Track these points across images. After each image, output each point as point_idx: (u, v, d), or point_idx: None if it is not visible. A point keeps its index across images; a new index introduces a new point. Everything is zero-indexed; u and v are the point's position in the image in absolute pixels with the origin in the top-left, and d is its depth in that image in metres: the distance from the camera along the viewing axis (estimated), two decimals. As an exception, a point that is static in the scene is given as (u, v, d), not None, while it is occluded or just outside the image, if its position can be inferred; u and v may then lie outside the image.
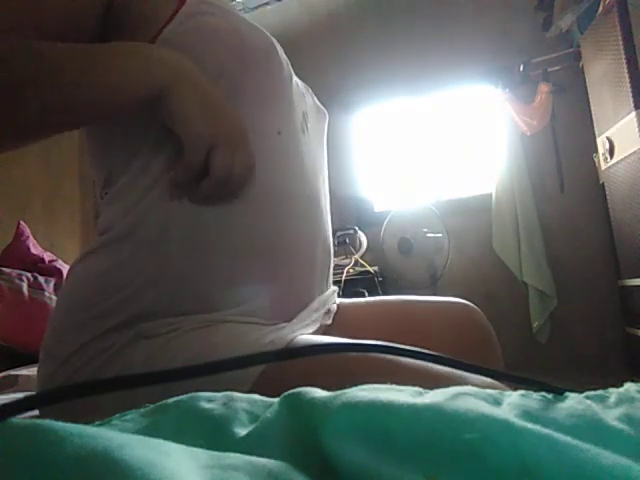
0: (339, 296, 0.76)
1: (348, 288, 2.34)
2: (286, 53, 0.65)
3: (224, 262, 0.51)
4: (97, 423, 0.22)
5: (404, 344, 0.25)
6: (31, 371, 1.10)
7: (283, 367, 0.42)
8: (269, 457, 0.18)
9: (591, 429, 0.19)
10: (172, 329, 0.48)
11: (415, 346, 0.25)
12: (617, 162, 1.92)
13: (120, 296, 0.49)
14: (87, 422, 0.19)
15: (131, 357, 0.47)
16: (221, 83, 0.53)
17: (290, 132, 0.59)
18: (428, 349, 0.26)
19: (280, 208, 0.55)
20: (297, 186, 0.58)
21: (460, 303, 0.74)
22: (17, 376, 1.08)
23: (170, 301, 0.50)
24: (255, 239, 0.53)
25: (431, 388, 0.23)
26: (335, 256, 2.63)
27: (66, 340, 0.49)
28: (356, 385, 0.22)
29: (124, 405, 0.25)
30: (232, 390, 0.25)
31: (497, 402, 0.22)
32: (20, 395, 0.93)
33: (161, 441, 0.17)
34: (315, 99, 0.73)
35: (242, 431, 0.21)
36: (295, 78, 0.66)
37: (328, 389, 0.22)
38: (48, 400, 0.18)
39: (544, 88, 2.37)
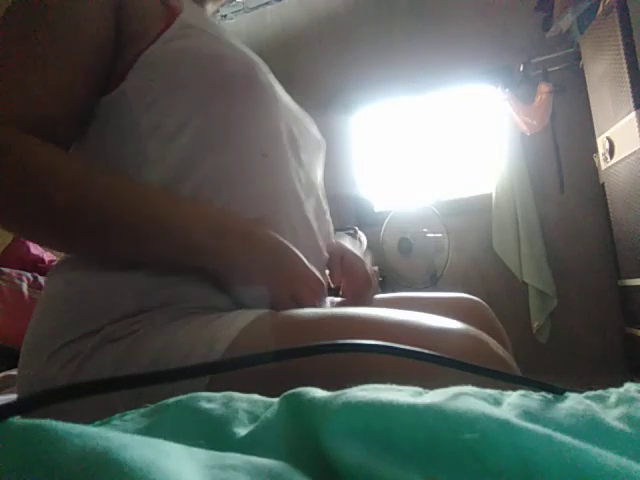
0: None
1: (348, 288, 2.34)
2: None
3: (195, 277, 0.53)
4: (97, 423, 0.22)
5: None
6: (31, 371, 1.10)
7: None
8: (269, 457, 0.18)
9: (591, 429, 0.19)
10: (135, 329, 0.49)
11: None
12: (617, 162, 1.92)
13: (89, 303, 0.50)
14: (87, 422, 0.19)
15: (101, 361, 0.47)
16: (200, 109, 0.55)
17: (278, 156, 0.59)
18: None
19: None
20: (284, 209, 0.58)
21: (469, 299, 0.73)
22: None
23: (137, 304, 0.50)
24: None
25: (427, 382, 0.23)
26: (335, 256, 2.64)
27: (41, 348, 0.50)
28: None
29: (127, 405, 0.25)
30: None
31: (497, 402, 0.22)
32: (20, 395, 0.93)
33: (161, 441, 0.17)
34: (313, 127, 0.73)
35: (242, 431, 0.21)
36: (286, 101, 0.66)
37: (328, 389, 0.22)
38: (49, 400, 0.18)
39: (544, 88, 2.37)
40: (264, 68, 0.62)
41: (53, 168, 0.47)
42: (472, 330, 0.46)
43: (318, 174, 0.72)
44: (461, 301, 0.72)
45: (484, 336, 0.46)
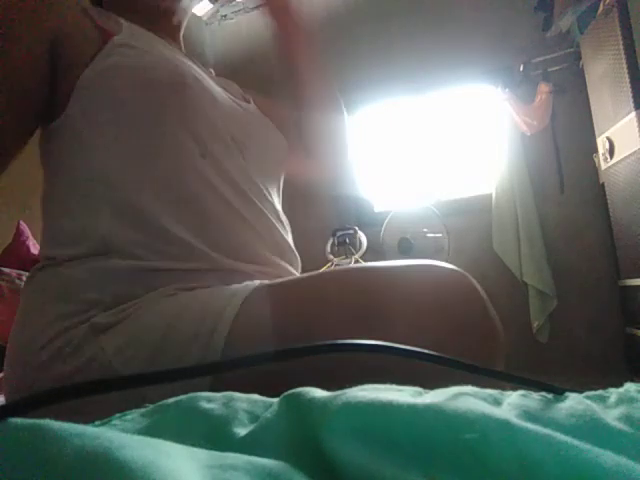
0: None
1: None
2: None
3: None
4: (97, 423, 0.22)
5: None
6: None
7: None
8: (269, 457, 0.18)
9: (591, 429, 0.19)
10: (128, 314, 0.50)
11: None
12: (617, 162, 1.92)
13: (76, 294, 0.51)
14: (87, 422, 0.19)
15: (97, 349, 0.48)
16: (132, 118, 0.57)
17: (218, 156, 0.61)
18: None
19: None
20: (236, 208, 0.60)
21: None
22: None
23: (125, 290, 0.52)
24: (176, 240, 0.55)
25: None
26: (335, 256, 2.63)
27: (29, 345, 0.51)
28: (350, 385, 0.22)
29: (128, 405, 0.25)
30: None
31: (497, 402, 0.22)
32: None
33: (161, 441, 0.16)
34: (270, 129, 0.74)
35: (242, 431, 0.21)
36: (230, 105, 0.68)
37: (328, 389, 0.22)
38: (49, 400, 0.18)
39: (544, 88, 2.37)
40: (200, 76, 0.65)
41: None
42: (455, 268, 0.47)
43: (275, 174, 0.74)
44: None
45: (467, 275, 0.47)
